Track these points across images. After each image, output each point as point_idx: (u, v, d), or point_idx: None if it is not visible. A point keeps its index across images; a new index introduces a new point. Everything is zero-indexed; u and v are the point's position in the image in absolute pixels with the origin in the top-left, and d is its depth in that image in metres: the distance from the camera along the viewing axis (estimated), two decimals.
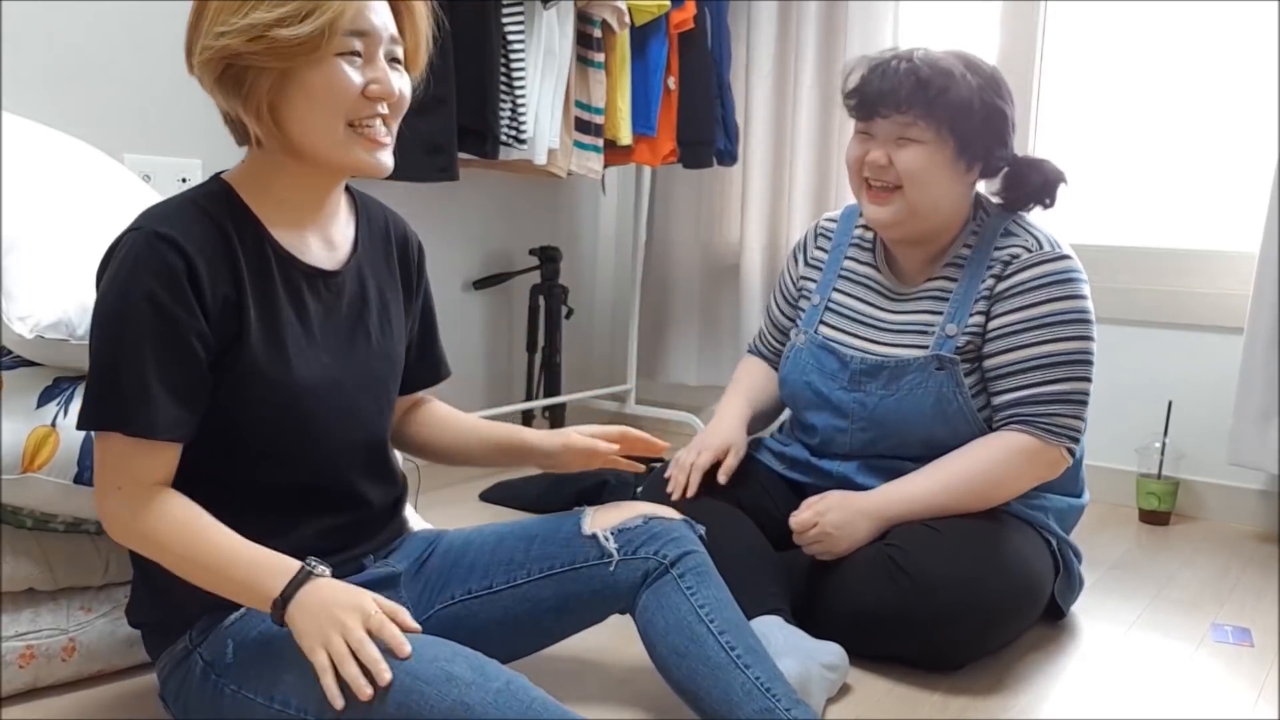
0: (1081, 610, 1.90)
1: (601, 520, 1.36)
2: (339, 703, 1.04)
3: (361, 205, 1.37)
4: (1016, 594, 1.60)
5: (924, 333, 1.72)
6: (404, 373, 1.42)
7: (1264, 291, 2.35)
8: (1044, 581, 1.67)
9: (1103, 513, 2.56)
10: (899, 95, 1.64)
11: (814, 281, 1.88)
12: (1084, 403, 1.66)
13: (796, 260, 1.94)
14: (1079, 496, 1.82)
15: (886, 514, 1.64)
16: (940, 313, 1.72)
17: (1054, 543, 1.72)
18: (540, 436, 1.44)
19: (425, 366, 1.48)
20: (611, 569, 1.33)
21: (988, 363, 1.69)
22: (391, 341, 1.35)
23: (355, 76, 1.17)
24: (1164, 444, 2.52)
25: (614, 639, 1.40)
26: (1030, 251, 1.68)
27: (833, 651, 1.50)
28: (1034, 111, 2.76)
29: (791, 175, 2.99)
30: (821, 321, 1.83)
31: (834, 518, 1.63)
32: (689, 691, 1.26)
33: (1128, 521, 2.53)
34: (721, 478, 1.74)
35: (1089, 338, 1.66)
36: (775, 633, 1.48)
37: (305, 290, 1.24)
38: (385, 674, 1.04)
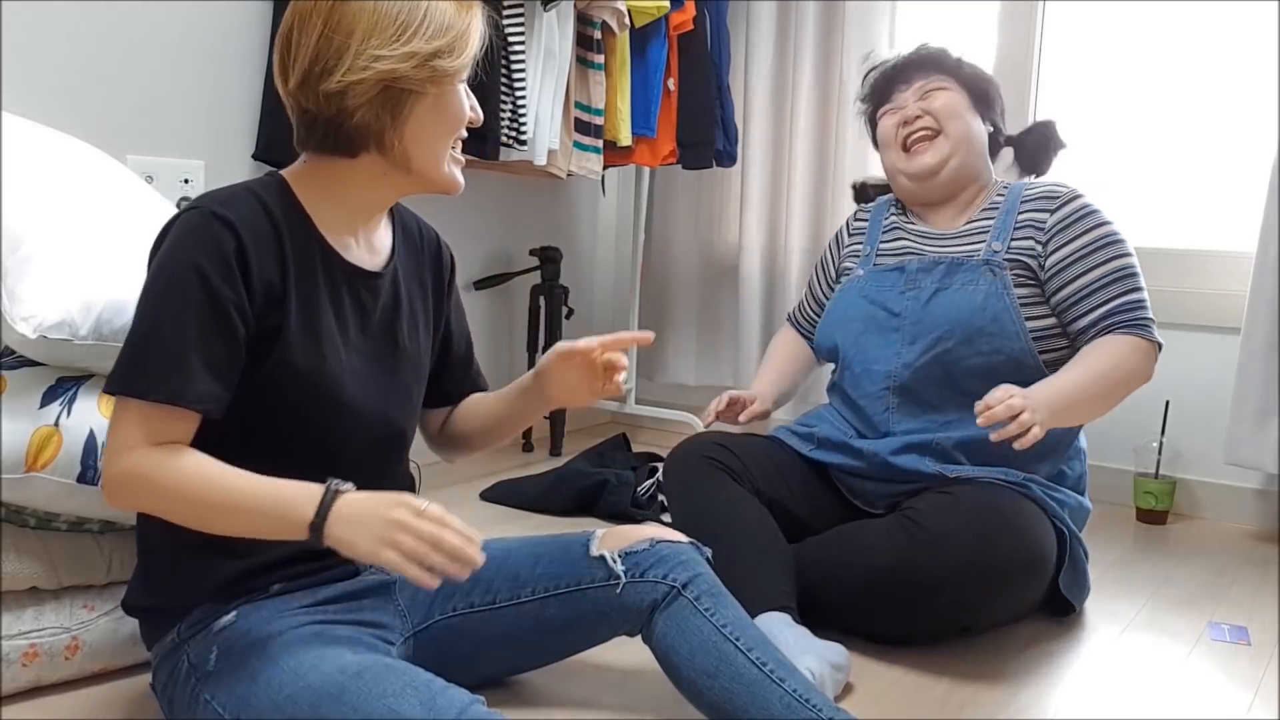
0: (1079, 609, 1.91)
1: (610, 542, 1.37)
2: (435, 583, 1.06)
3: (398, 216, 1.40)
4: (1024, 557, 1.62)
5: (975, 244, 1.87)
6: (445, 385, 1.48)
7: (1261, 291, 2.36)
8: (1049, 555, 1.68)
9: (1100, 512, 2.56)
10: (921, 63, 1.95)
11: (859, 246, 2.03)
12: (1148, 306, 1.80)
13: (839, 243, 2.09)
14: (1084, 495, 1.86)
15: (1053, 402, 1.64)
16: (986, 234, 1.87)
17: (1064, 530, 1.74)
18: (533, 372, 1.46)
19: (466, 378, 1.52)
20: (618, 591, 1.33)
21: (1056, 297, 1.80)
22: (418, 349, 1.37)
23: (467, 102, 1.27)
24: (1161, 443, 2.52)
25: (611, 642, 1.40)
26: (1060, 191, 1.86)
27: (838, 652, 1.52)
28: (1032, 112, 2.77)
29: (790, 176, 3.00)
30: (876, 258, 1.97)
31: (1022, 401, 1.58)
32: (724, 712, 1.25)
33: (1125, 521, 2.54)
34: (743, 418, 1.90)
35: (1131, 255, 1.82)
36: (784, 631, 1.50)
37: (344, 288, 1.27)
38: (478, 557, 1.08)
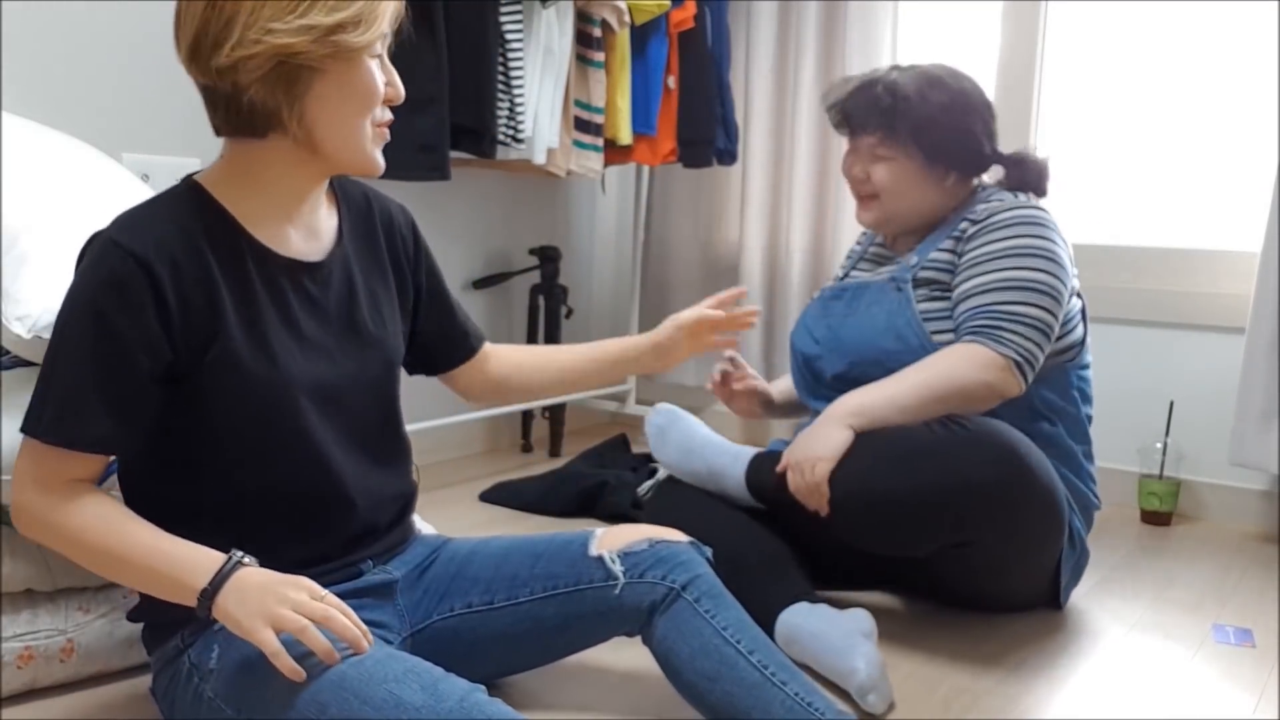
0: (1083, 611, 1.90)
1: (608, 542, 1.35)
2: (301, 675, 1.04)
3: (341, 192, 1.35)
4: (1040, 486, 1.59)
5: (896, 266, 1.86)
6: (434, 353, 1.47)
7: (1265, 291, 2.35)
8: (1062, 500, 1.66)
9: (1104, 513, 2.56)
10: (861, 118, 1.82)
11: (841, 269, 2.02)
12: (1039, 329, 1.68)
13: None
14: (1094, 497, 1.87)
15: (845, 409, 1.64)
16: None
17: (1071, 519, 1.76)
18: (642, 340, 1.55)
19: (453, 342, 1.50)
20: (616, 591, 1.32)
21: (955, 292, 1.75)
22: (385, 332, 1.33)
23: (380, 77, 1.19)
24: (1165, 444, 2.51)
25: (611, 643, 1.40)
26: (1003, 202, 1.79)
27: (864, 618, 1.55)
28: (1034, 111, 2.76)
29: (791, 175, 2.99)
30: (840, 282, 1.96)
31: (796, 454, 1.63)
32: (725, 715, 1.24)
33: (1129, 522, 2.53)
34: (737, 385, 1.93)
35: (1053, 274, 1.70)
36: (807, 620, 1.53)
37: (286, 284, 1.22)
38: (362, 642, 1.06)
